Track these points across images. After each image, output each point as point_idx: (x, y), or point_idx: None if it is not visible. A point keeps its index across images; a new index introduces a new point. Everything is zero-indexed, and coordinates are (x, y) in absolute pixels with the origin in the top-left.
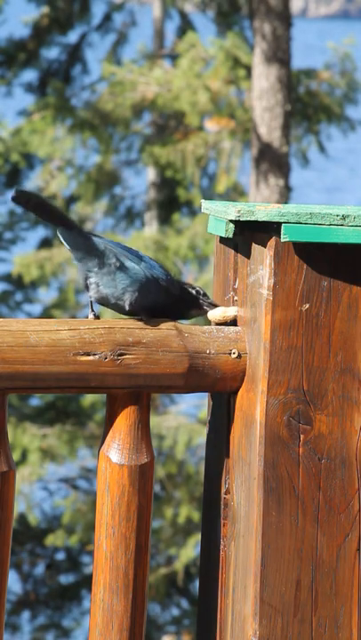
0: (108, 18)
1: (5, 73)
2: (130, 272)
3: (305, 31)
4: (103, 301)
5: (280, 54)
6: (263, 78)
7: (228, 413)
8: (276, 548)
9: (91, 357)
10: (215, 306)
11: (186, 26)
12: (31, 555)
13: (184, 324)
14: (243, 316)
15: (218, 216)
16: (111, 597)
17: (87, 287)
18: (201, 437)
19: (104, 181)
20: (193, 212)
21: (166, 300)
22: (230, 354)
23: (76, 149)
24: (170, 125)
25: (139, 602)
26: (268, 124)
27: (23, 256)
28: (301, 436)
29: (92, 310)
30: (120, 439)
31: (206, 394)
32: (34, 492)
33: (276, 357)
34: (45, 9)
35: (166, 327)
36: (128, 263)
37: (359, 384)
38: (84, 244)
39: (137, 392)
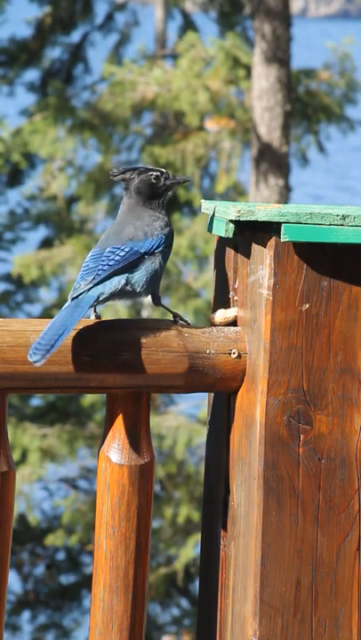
0: (110, 17)
1: (7, 73)
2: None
3: (305, 31)
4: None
5: (280, 54)
6: (263, 78)
7: (228, 413)
8: (276, 548)
9: (91, 357)
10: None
11: (188, 26)
12: (31, 555)
13: (184, 324)
14: (243, 316)
15: (218, 216)
16: (111, 597)
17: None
18: (201, 437)
19: (104, 182)
20: (193, 211)
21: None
22: (230, 354)
23: (76, 149)
24: (170, 125)
25: (139, 602)
26: (267, 124)
27: (23, 256)
28: (301, 436)
29: (95, 311)
30: (120, 439)
31: (206, 394)
32: (34, 492)
33: (276, 357)
34: (48, 8)
35: (166, 327)
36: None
37: (359, 384)
38: None
39: (137, 392)
